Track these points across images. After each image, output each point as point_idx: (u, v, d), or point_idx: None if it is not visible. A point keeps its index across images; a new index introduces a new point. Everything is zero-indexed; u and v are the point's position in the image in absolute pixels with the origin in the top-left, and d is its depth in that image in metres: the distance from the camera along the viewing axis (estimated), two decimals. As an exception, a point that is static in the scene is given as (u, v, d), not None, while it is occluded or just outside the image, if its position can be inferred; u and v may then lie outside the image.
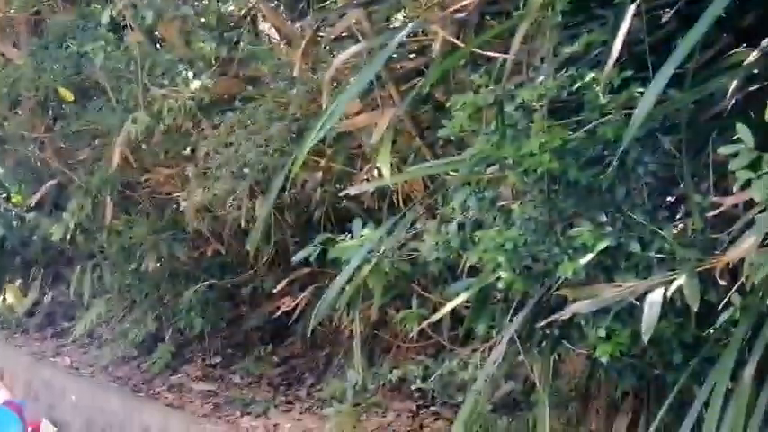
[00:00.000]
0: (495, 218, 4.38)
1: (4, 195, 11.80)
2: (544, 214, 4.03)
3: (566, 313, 3.72)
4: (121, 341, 9.02)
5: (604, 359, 3.77)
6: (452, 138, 4.72)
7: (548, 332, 4.37)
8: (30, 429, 7.45)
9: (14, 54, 9.25)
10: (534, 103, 4.03)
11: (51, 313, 11.53)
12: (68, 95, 8.30)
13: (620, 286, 3.62)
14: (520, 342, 4.27)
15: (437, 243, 4.66)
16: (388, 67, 5.43)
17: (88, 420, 8.63)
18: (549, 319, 3.91)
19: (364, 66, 5.25)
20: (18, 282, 11.77)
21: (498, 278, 4.11)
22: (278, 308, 7.00)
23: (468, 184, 4.48)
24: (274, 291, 7.03)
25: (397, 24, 6.02)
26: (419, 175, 5.42)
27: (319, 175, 6.86)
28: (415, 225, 5.23)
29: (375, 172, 6.00)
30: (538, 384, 4.42)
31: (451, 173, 4.87)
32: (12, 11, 9.25)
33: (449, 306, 4.73)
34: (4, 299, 11.33)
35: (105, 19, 7.39)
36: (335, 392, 6.22)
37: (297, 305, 6.69)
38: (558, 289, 3.94)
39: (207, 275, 8.17)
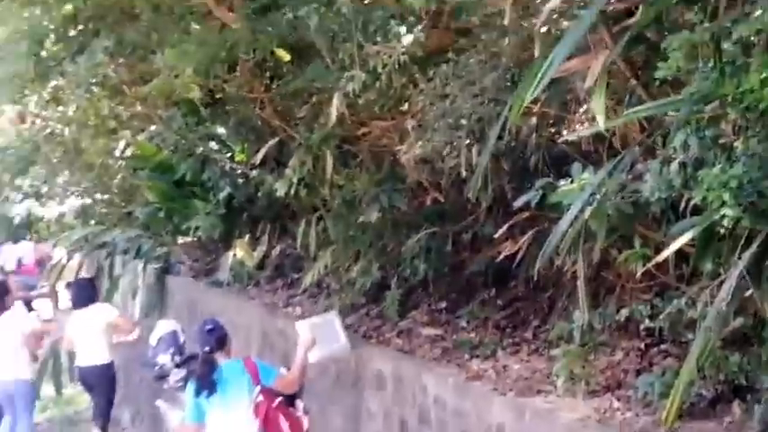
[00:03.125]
0: (716, 155, 4.38)
1: (229, 155, 12.23)
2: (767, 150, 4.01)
3: (795, 249, 3.71)
4: (349, 290, 9.28)
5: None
6: (668, 77, 4.70)
7: (777, 267, 4.35)
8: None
9: (230, 18, 9.55)
10: (752, 38, 3.99)
11: (280, 266, 11.95)
12: (285, 56, 8.55)
13: None
14: (749, 278, 4.27)
15: (659, 183, 4.68)
16: (600, 9, 5.41)
17: (323, 366, 8.94)
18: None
19: (576, 12, 5.26)
20: (246, 237, 12.21)
21: (723, 216, 4.11)
22: (499, 252, 7.09)
23: (688, 123, 4.47)
24: (495, 236, 7.12)
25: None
26: (636, 117, 5.40)
27: (534, 120, 6.91)
28: (635, 166, 5.24)
29: (590, 114, 6.01)
30: (768, 319, 4.40)
31: (670, 113, 4.86)
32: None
33: (674, 245, 4.75)
34: (235, 254, 11.77)
35: (317, -21, 7.58)
36: (562, 333, 6.30)
37: (518, 249, 6.75)
38: (786, 223, 3.92)
39: (428, 224, 8.28)
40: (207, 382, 7.51)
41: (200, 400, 7.54)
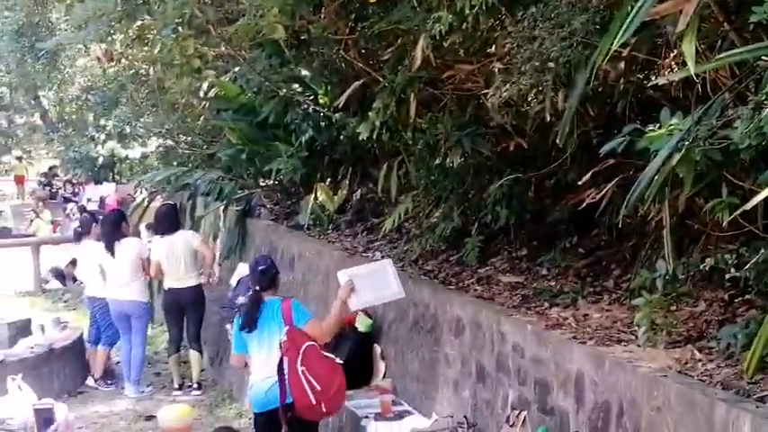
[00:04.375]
0: (809, 102, 4.28)
1: (312, 97, 12.22)
2: None
3: None
4: (429, 236, 9.24)
5: None
6: (762, 21, 4.60)
7: None
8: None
9: (316, -43, 9.49)
10: None
11: (360, 210, 11.98)
12: (371, -4, 8.47)
13: None
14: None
15: (749, 130, 4.59)
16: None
17: (401, 312, 8.97)
18: None
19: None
20: (328, 180, 12.25)
21: (815, 164, 4.03)
22: (582, 200, 7.01)
23: (782, 68, 4.38)
24: (578, 183, 7.04)
25: None
26: (728, 62, 5.28)
27: (622, 65, 6.79)
28: (725, 113, 5.13)
29: (680, 59, 5.89)
30: None
31: (763, 58, 4.75)
32: None
33: (762, 194, 4.67)
34: (316, 198, 11.81)
35: None
36: (644, 283, 6.21)
37: (602, 197, 6.67)
38: None
39: (510, 169, 8.19)
40: (250, 318, 7.73)
41: (243, 334, 7.82)
